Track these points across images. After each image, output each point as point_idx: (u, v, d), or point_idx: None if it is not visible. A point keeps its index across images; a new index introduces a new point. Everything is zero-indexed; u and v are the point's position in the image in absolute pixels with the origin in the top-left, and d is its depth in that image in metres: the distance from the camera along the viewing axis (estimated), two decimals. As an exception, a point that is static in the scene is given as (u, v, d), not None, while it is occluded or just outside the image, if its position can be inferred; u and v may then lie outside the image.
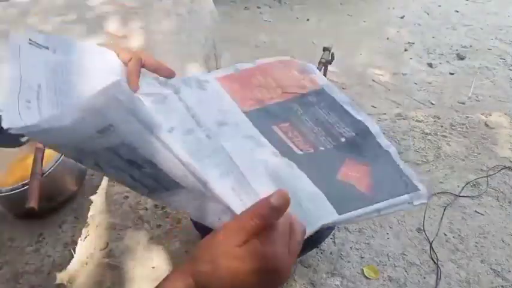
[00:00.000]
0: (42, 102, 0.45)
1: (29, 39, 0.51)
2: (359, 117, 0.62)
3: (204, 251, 0.38)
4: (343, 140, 0.59)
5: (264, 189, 0.44)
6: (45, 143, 0.44)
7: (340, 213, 0.46)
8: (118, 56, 0.59)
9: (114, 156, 0.38)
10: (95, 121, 0.34)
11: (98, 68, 0.56)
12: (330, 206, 0.46)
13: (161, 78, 0.63)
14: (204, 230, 0.87)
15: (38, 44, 0.52)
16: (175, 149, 0.37)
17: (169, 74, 0.63)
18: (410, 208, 0.52)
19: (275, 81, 0.68)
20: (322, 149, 0.57)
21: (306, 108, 0.64)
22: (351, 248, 1.39)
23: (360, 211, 0.48)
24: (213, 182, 0.42)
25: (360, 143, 0.59)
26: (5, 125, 0.36)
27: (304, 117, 0.62)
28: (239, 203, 0.42)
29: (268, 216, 0.36)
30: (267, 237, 0.36)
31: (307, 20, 3.23)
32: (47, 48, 0.53)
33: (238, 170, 0.47)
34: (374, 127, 0.61)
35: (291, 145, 0.56)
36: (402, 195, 0.52)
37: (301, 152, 0.55)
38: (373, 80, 2.47)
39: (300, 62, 0.74)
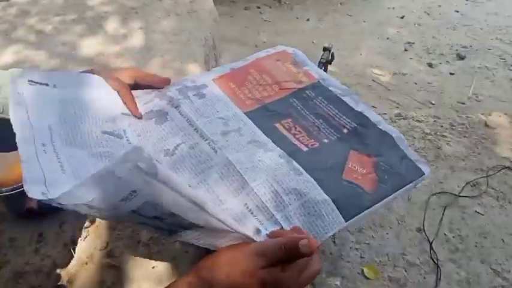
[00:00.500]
0: (56, 144, 0.47)
1: (29, 80, 0.52)
2: (358, 109, 0.62)
3: (220, 265, 0.40)
4: (345, 131, 0.59)
5: (273, 204, 0.47)
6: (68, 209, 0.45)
7: (347, 220, 0.47)
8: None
9: (138, 216, 0.39)
10: (118, 190, 0.34)
11: (103, 100, 0.57)
12: (339, 214, 0.47)
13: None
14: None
15: (36, 82, 0.52)
16: (193, 195, 0.37)
17: (164, 83, 0.63)
18: (413, 189, 0.54)
19: (271, 77, 0.68)
20: (326, 141, 0.57)
21: (304, 102, 0.63)
22: (350, 248, 1.39)
23: (366, 212, 0.49)
24: (226, 205, 0.45)
25: (362, 133, 0.59)
26: (31, 195, 0.37)
27: (305, 111, 0.62)
28: (253, 224, 0.45)
29: (293, 255, 0.40)
30: (288, 269, 0.40)
31: (307, 20, 3.23)
32: (47, 84, 0.53)
33: (250, 187, 0.48)
34: (374, 116, 0.61)
35: (296, 142, 0.56)
36: (407, 184, 0.53)
37: (306, 149, 0.55)
38: (373, 80, 2.47)
39: (290, 51, 0.74)
